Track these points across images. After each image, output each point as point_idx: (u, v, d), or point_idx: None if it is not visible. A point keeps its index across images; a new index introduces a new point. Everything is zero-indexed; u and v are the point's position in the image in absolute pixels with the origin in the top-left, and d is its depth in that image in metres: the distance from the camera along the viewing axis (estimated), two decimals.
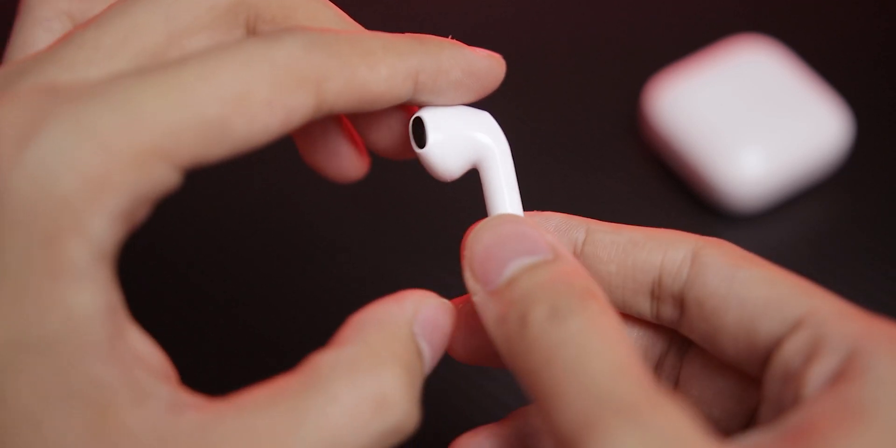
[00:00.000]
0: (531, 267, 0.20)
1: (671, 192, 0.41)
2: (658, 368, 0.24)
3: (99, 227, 0.17)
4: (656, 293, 0.22)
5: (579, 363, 0.17)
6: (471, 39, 0.50)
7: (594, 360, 0.17)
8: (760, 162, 0.38)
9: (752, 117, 0.38)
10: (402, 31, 0.22)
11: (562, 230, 0.23)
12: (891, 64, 0.44)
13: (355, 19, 0.23)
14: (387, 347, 0.19)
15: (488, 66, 0.23)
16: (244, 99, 0.18)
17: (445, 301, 0.21)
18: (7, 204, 0.17)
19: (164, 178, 0.18)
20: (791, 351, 0.19)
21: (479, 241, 0.21)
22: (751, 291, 0.20)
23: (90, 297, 0.17)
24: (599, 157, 0.42)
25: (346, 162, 0.26)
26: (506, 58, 0.24)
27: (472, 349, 0.23)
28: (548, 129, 0.43)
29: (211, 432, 0.17)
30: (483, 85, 0.23)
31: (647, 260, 0.22)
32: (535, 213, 0.24)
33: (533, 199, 0.40)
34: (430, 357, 0.20)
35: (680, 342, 0.23)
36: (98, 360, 0.17)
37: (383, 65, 0.20)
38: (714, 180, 0.38)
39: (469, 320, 0.22)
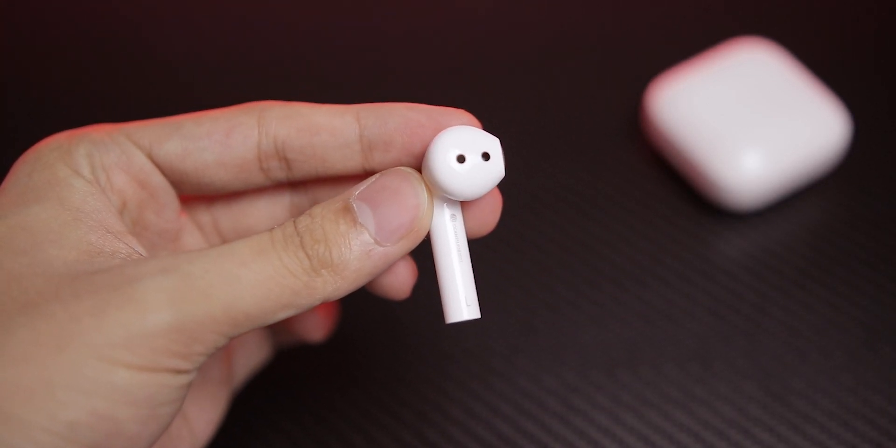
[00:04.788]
0: None
1: (672, 191, 0.41)
2: None
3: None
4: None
5: None
6: (472, 39, 0.50)
7: None
8: (760, 162, 0.38)
9: (752, 118, 0.39)
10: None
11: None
12: (888, 66, 0.44)
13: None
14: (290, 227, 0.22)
15: (446, 116, 0.24)
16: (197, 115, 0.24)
17: (402, 169, 0.23)
18: None
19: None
20: None
21: None
22: None
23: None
24: (601, 157, 0.42)
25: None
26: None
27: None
28: (550, 130, 0.43)
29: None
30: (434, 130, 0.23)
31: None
32: None
33: (535, 198, 0.41)
34: (374, 217, 0.22)
35: None
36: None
37: (324, 106, 0.24)
38: (714, 180, 0.38)
39: None
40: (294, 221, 0.22)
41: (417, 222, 0.22)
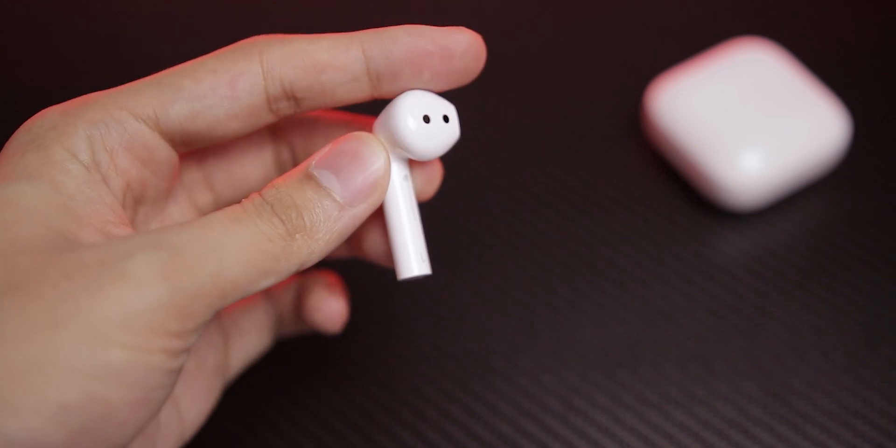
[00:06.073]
0: None
1: (672, 191, 0.41)
2: None
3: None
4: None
5: None
6: None
7: None
8: (760, 161, 0.38)
9: (752, 118, 0.39)
10: (399, 24, 0.24)
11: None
12: (887, 66, 0.44)
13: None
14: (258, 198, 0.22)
15: (450, 38, 0.23)
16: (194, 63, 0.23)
17: (359, 133, 0.24)
18: None
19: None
20: None
21: None
22: None
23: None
24: (601, 156, 0.42)
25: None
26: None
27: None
28: (550, 130, 0.43)
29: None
30: (451, 63, 0.23)
31: None
32: None
33: (535, 198, 0.41)
34: (339, 183, 0.23)
35: None
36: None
37: (324, 38, 0.23)
38: (714, 179, 0.38)
39: None
40: (260, 193, 0.22)
41: (379, 182, 0.23)
